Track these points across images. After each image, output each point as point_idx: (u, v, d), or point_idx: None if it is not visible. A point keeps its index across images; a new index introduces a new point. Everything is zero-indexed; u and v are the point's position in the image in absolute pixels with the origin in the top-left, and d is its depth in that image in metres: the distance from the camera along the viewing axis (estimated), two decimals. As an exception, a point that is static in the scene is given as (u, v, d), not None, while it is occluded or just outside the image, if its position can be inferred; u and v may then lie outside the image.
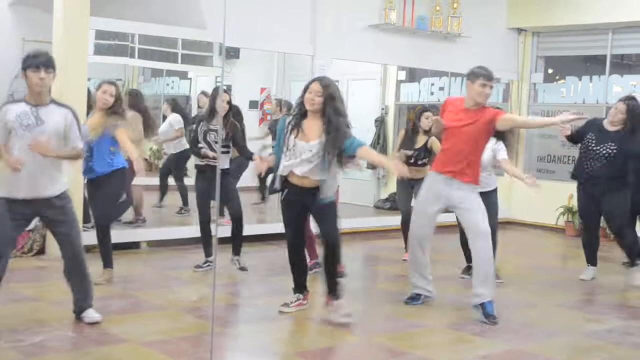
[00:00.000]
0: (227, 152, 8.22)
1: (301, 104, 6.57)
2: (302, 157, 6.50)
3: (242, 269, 8.32)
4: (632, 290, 8.64)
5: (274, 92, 15.06)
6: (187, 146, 11.69)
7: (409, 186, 9.24)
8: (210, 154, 8.15)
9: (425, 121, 9.18)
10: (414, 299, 7.35)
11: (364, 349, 6.19)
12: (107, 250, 7.72)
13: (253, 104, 13.31)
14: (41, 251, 8.92)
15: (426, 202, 7.20)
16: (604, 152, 8.53)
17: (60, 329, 6.12)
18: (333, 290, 6.67)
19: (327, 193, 6.52)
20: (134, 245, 9.63)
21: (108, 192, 7.60)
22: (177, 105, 12.41)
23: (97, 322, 6.19)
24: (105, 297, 7.16)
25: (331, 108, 6.42)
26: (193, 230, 9.74)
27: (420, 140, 9.28)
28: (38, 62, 5.82)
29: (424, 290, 7.35)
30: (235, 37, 10.11)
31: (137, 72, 13.98)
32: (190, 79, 15.27)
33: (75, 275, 6.22)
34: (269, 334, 6.48)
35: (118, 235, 9.44)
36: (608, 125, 8.65)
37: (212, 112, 8.22)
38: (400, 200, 9.62)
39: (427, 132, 9.22)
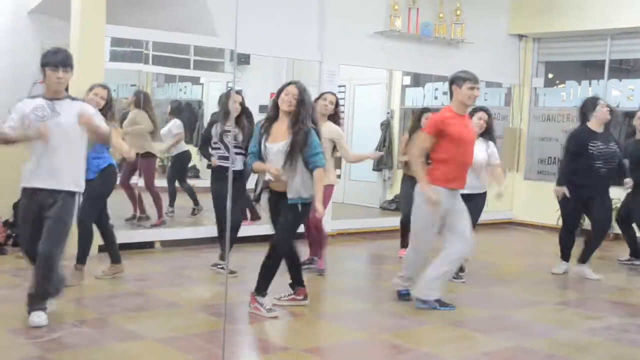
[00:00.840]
0: (242, 154, 8.22)
1: (275, 106, 6.76)
2: (271, 159, 6.72)
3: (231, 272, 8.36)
4: (629, 289, 8.82)
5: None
6: (186, 148, 11.98)
7: (412, 186, 9.45)
8: (215, 163, 8.37)
9: (425, 121, 9.39)
10: (409, 294, 7.48)
11: (370, 345, 6.30)
12: (83, 246, 7.78)
13: (263, 108, 13.38)
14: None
15: (431, 219, 7.14)
16: (611, 151, 8.98)
17: (77, 326, 6.26)
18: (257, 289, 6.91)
19: (296, 193, 6.66)
20: (147, 245, 9.77)
21: (95, 192, 7.56)
22: (179, 109, 12.56)
23: (39, 327, 6.06)
24: (121, 295, 7.37)
25: (302, 112, 6.67)
26: (205, 231, 9.99)
27: None
28: (56, 61, 5.96)
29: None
30: (245, 44, 10.24)
31: (151, 77, 14.02)
32: (202, 84, 15.28)
33: (40, 268, 6.12)
34: (278, 330, 6.62)
35: (132, 235, 9.70)
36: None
37: (225, 113, 8.35)
38: (404, 200, 9.72)
39: None
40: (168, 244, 10.00)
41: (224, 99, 8.50)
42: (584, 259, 9.15)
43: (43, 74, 6.04)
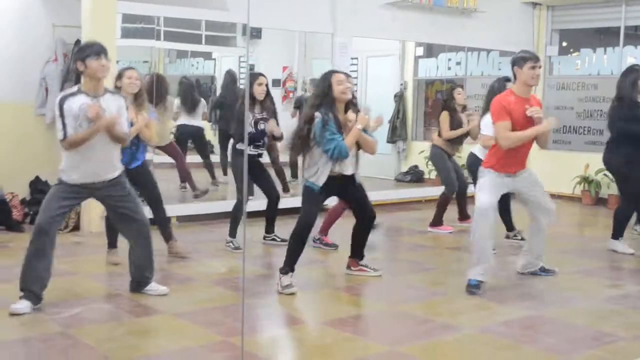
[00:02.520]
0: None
1: (331, 97, 6.75)
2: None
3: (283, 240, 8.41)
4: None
5: (295, 70, 15.16)
6: (198, 124, 12.04)
7: (449, 160, 9.66)
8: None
9: (459, 96, 9.57)
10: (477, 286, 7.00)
11: (388, 316, 6.33)
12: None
13: (276, 82, 13.41)
14: (76, 227, 9.20)
15: (494, 204, 7.10)
16: None
17: (96, 302, 6.34)
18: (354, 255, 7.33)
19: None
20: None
21: (150, 174, 7.89)
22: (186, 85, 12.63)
23: (164, 294, 6.48)
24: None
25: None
26: (221, 206, 10.03)
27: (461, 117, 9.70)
28: (98, 50, 5.93)
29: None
30: (257, 18, 10.16)
31: (163, 54, 14.04)
32: (214, 59, 15.31)
33: (142, 246, 6.43)
34: (296, 304, 6.62)
35: (148, 211, 9.72)
36: None
37: (252, 99, 8.28)
38: (446, 175, 9.86)
39: (464, 109, 9.58)
40: (184, 219, 10.04)
41: (249, 84, 8.49)
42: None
43: (83, 67, 5.96)
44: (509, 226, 9.14)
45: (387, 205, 11.86)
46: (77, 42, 9.47)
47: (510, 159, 7.02)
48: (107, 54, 6.00)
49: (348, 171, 6.89)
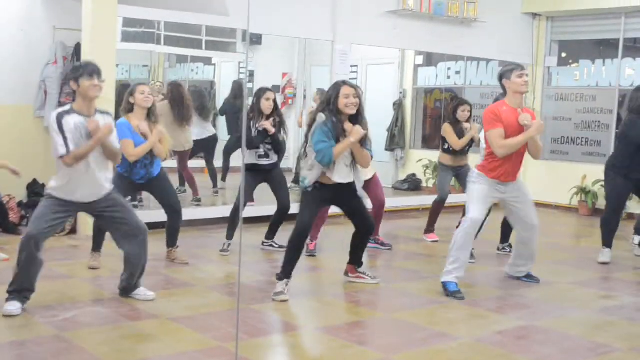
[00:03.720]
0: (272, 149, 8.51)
1: (336, 110, 6.76)
2: (342, 163, 6.92)
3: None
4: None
5: (295, 77, 15.16)
6: (214, 132, 12.04)
7: (452, 173, 9.66)
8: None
9: (462, 114, 9.56)
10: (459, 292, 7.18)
11: (385, 324, 6.34)
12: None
13: (275, 89, 13.47)
14: (73, 231, 9.20)
15: (485, 206, 7.32)
16: None
17: (92, 305, 6.33)
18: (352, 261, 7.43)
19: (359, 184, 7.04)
20: (161, 226, 9.78)
21: (168, 182, 7.95)
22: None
23: (152, 300, 6.49)
24: (136, 275, 7.46)
25: (362, 106, 6.89)
26: (220, 211, 10.03)
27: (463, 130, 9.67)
28: (91, 70, 5.98)
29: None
30: (257, 24, 10.23)
31: (163, 58, 14.09)
32: (214, 64, 15.35)
33: (138, 254, 6.44)
34: (292, 310, 6.63)
35: (146, 215, 9.71)
36: None
37: (259, 112, 8.37)
38: (441, 184, 9.99)
39: (467, 121, 9.59)
40: (182, 224, 9.97)
41: (256, 98, 8.52)
42: None
43: (76, 87, 6.01)
44: (505, 238, 9.15)
45: (384, 213, 11.79)
46: (78, 45, 9.48)
47: (504, 169, 7.11)
48: (100, 75, 6.04)
49: (342, 179, 6.89)
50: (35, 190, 9.77)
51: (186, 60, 15.07)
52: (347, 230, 7.46)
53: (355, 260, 7.48)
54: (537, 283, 7.72)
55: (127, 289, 6.59)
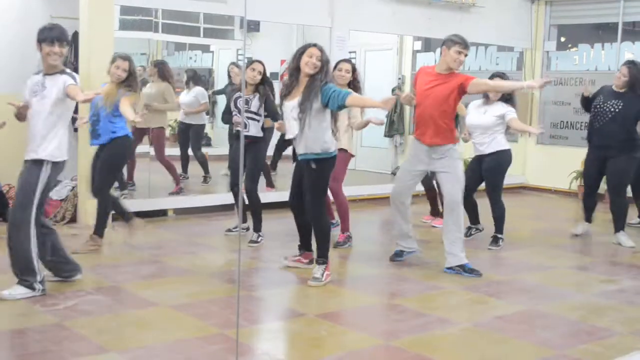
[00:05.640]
0: (257, 121, 8.27)
1: (296, 69, 6.75)
2: (290, 117, 6.78)
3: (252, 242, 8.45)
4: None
5: (293, 64, 15.07)
6: (206, 120, 12.03)
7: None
8: (236, 119, 8.31)
9: None
10: (397, 255, 7.84)
11: (384, 310, 6.36)
12: (101, 217, 7.90)
13: (274, 76, 13.44)
14: (73, 219, 9.20)
15: (410, 163, 7.61)
16: (610, 108, 8.89)
17: (92, 294, 6.31)
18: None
19: (307, 148, 6.75)
20: (160, 213, 9.87)
21: (108, 161, 7.75)
22: (196, 77, 12.53)
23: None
24: (135, 263, 7.45)
25: (325, 69, 6.73)
26: (218, 198, 10.06)
27: None
28: (52, 36, 6.04)
29: (406, 247, 7.80)
30: (255, 11, 10.19)
31: (161, 46, 14.07)
32: (212, 52, 15.29)
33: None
34: (292, 297, 6.68)
35: (145, 203, 9.75)
36: (616, 89, 8.92)
37: (246, 83, 8.32)
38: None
39: None
40: (181, 212, 10.07)
41: (245, 69, 8.50)
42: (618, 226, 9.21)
43: (39, 50, 6.11)
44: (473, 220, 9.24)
45: (383, 199, 11.82)
46: (75, 34, 9.46)
47: (418, 128, 7.51)
48: (63, 41, 6.10)
49: (290, 135, 6.88)
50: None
51: (184, 47, 15.04)
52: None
53: (305, 244, 7.43)
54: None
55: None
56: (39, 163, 6.16)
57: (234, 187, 8.65)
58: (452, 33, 7.48)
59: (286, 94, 6.86)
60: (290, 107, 6.76)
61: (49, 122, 6.18)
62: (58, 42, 6.05)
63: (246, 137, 8.19)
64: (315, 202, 6.83)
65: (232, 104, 8.44)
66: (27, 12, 9.85)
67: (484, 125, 8.58)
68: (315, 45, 6.80)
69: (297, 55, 6.78)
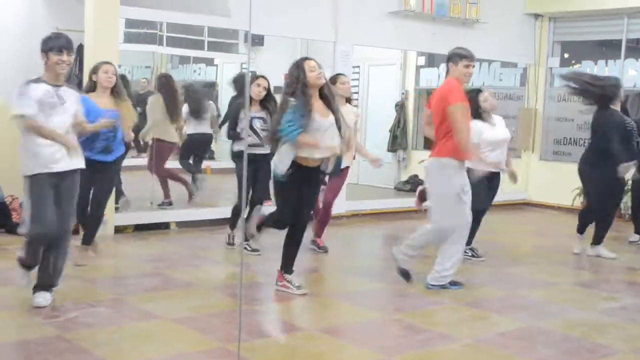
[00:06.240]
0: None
1: (305, 85, 6.59)
2: (323, 133, 6.67)
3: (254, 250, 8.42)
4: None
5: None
6: (210, 131, 11.95)
7: None
8: (252, 141, 8.24)
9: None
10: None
11: (385, 325, 6.33)
12: (95, 229, 7.91)
13: (277, 90, 13.46)
14: (75, 231, 9.15)
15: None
16: None
17: (94, 306, 6.30)
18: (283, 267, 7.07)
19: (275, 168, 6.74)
20: (163, 226, 9.87)
21: (116, 176, 7.89)
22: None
23: (43, 307, 6.12)
24: (137, 276, 7.46)
25: (328, 84, 6.80)
26: (221, 212, 10.03)
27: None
28: (60, 45, 6.00)
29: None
30: (259, 25, 10.23)
31: (166, 59, 14.13)
32: (216, 65, 15.38)
33: (57, 248, 6.23)
34: (293, 311, 6.67)
35: (148, 216, 9.76)
36: None
37: (250, 99, 8.23)
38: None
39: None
40: (184, 225, 10.06)
41: (241, 83, 8.47)
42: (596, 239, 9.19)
43: (45, 59, 6.05)
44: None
45: (386, 214, 11.88)
46: (80, 46, 9.48)
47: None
48: (70, 50, 6.07)
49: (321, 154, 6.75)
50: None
51: (188, 61, 15.10)
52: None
53: (286, 265, 7.11)
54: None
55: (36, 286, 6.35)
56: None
57: (239, 207, 8.53)
58: (455, 47, 7.38)
59: (309, 109, 6.61)
60: (327, 125, 6.66)
61: (73, 134, 6.24)
62: (66, 51, 6.03)
63: (264, 154, 8.09)
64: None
65: (247, 125, 8.17)
66: (33, 24, 9.87)
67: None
68: (307, 58, 6.78)
69: (299, 74, 6.64)
